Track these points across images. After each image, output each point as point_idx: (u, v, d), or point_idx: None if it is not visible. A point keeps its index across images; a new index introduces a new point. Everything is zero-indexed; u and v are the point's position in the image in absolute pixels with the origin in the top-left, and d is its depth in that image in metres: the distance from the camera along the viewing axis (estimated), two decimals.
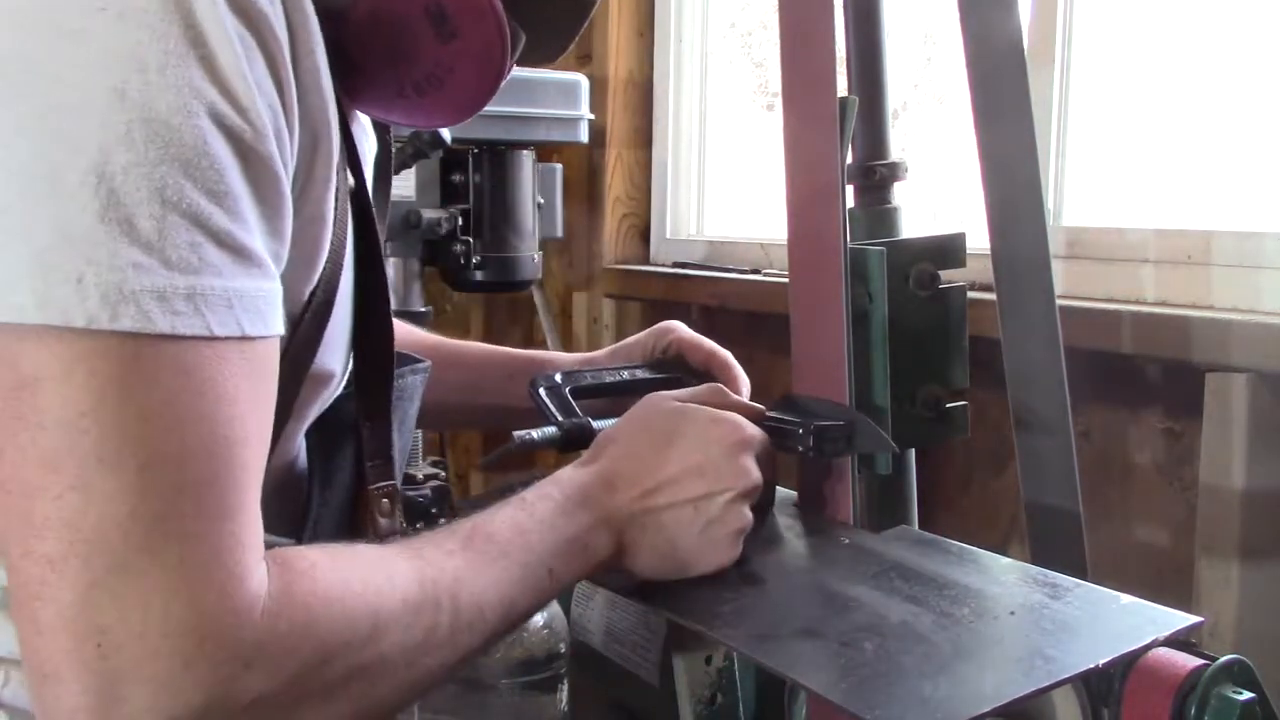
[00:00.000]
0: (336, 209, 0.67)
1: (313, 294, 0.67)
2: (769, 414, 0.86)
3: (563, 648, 0.83)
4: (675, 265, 2.09)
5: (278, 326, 0.60)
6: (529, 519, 0.72)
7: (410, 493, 1.66)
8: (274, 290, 0.59)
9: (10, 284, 0.52)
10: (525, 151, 1.85)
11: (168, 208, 0.53)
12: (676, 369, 1.00)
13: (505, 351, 1.10)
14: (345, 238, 0.69)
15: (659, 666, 0.87)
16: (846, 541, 0.85)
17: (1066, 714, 0.73)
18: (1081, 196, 1.45)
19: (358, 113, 0.79)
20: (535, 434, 0.88)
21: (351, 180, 0.71)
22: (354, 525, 0.76)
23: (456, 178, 1.80)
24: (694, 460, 0.78)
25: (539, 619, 0.83)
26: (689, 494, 0.77)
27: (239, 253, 0.56)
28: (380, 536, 0.76)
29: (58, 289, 0.51)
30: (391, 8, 0.70)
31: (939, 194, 1.68)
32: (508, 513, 0.72)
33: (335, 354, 0.73)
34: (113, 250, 0.52)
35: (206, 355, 0.55)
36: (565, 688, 0.84)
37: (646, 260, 2.18)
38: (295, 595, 0.57)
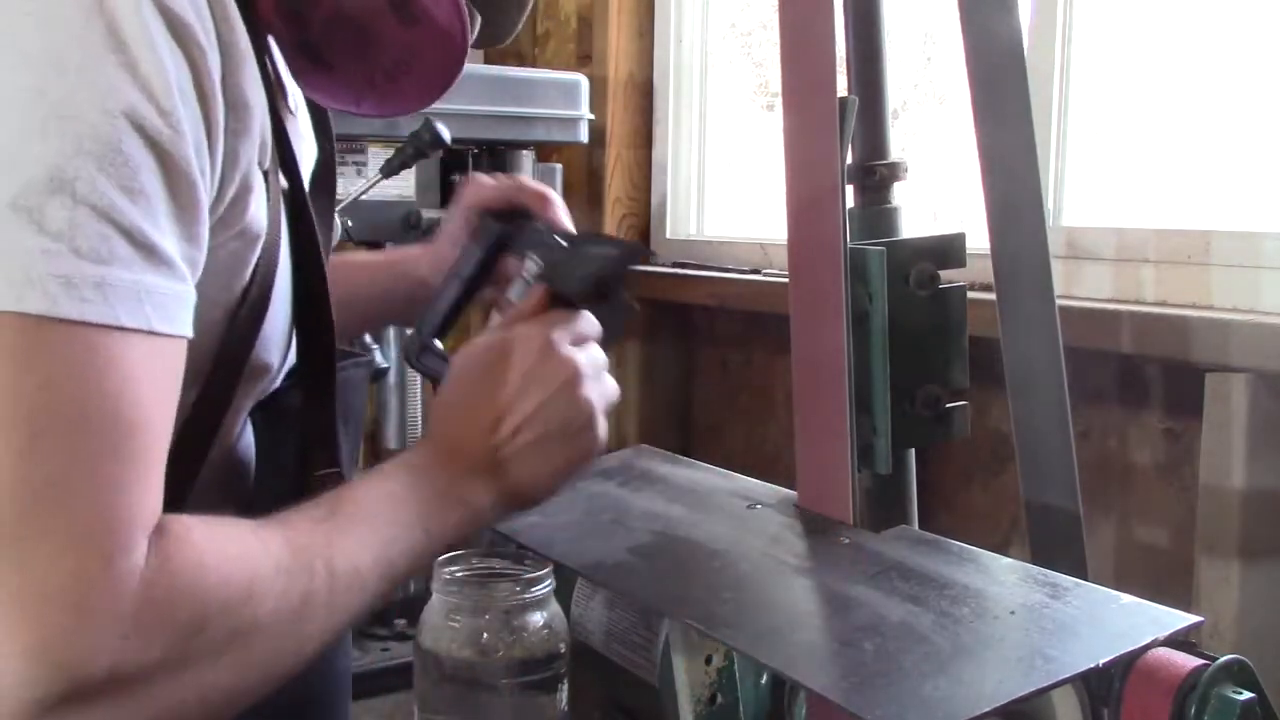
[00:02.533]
0: (270, 211, 0.68)
1: (247, 290, 0.68)
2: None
3: (563, 648, 0.83)
4: (675, 265, 2.09)
5: (186, 328, 0.60)
6: (393, 483, 0.73)
7: None
8: (185, 293, 0.60)
9: None
10: (525, 151, 1.85)
11: (79, 200, 0.54)
12: (495, 231, 0.96)
13: (369, 263, 1.09)
14: (279, 237, 0.71)
15: (659, 666, 0.87)
16: (846, 541, 0.85)
17: (1066, 714, 0.73)
18: (1081, 196, 1.46)
19: (294, 119, 0.81)
20: None
21: (285, 182, 0.73)
22: None
23: (456, 178, 1.80)
24: (514, 380, 0.77)
25: (539, 619, 0.83)
26: (529, 411, 0.77)
27: (150, 250, 0.57)
28: None
29: None
30: (354, 1, 0.72)
31: (939, 194, 1.68)
32: (370, 481, 0.73)
33: (273, 348, 0.75)
34: (20, 238, 0.53)
35: (112, 343, 0.55)
36: (565, 688, 0.84)
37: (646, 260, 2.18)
38: (171, 561, 0.57)
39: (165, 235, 0.58)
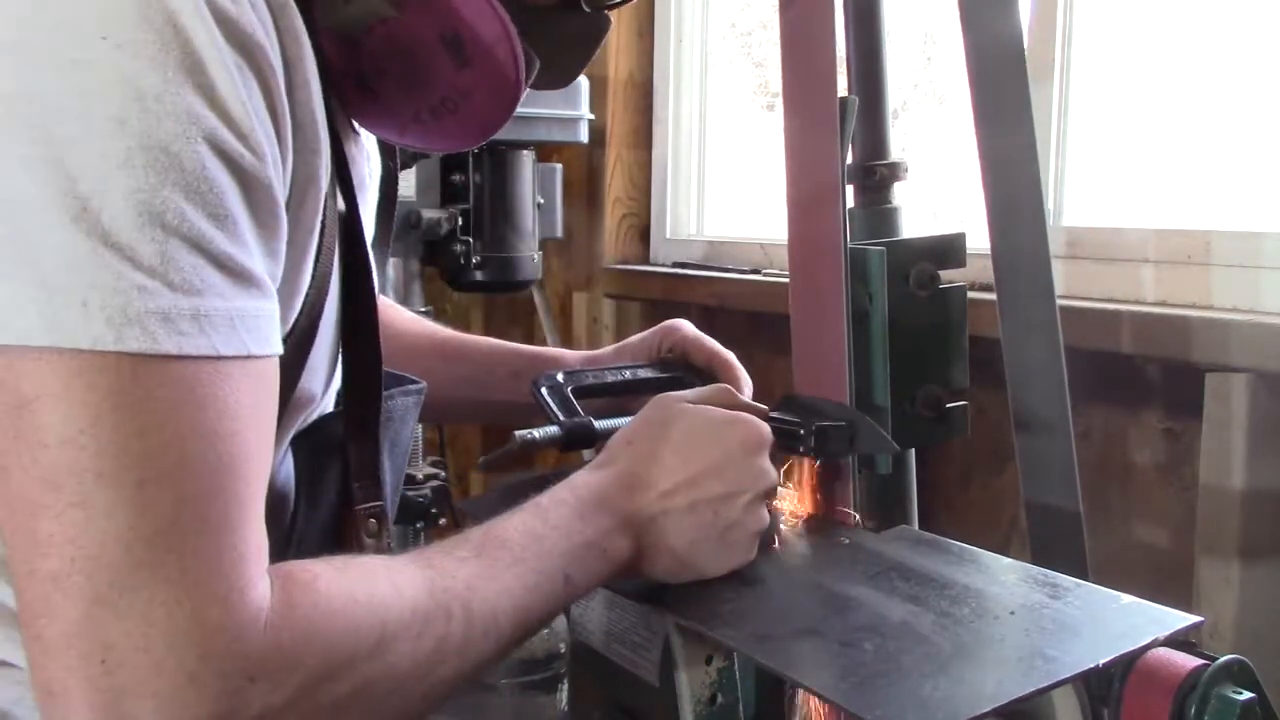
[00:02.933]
0: (324, 235, 0.67)
1: (297, 319, 0.67)
2: (771, 414, 0.86)
3: (563, 648, 0.83)
4: (675, 265, 2.09)
5: (278, 345, 0.60)
6: (544, 524, 0.72)
7: (410, 493, 1.66)
8: (274, 310, 0.60)
9: (17, 308, 0.52)
10: (525, 151, 1.86)
11: (169, 232, 0.54)
12: (679, 368, 1.00)
13: (511, 347, 1.09)
14: (332, 263, 0.69)
15: (659, 666, 0.87)
16: (846, 541, 0.85)
17: (1066, 714, 0.73)
18: (1081, 196, 1.46)
19: (359, 137, 0.79)
20: (537, 433, 0.87)
21: (343, 205, 0.71)
22: (340, 546, 0.75)
23: (456, 178, 1.80)
24: (712, 461, 0.77)
25: None
26: (709, 495, 0.76)
27: (240, 274, 0.57)
28: None
29: (63, 312, 0.52)
30: (408, 34, 0.69)
31: (939, 194, 1.68)
32: (522, 518, 0.72)
33: (317, 377, 0.73)
34: (117, 274, 0.53)
35: (209, 373, 0.55)
36: (565, 688, 0.84)
37: (646, 260, 2.18)
38: (298, 608, 0.56)
39: (252, 256, 0.58)
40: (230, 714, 0.53)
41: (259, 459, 0.58)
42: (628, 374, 0.99)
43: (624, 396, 0.97)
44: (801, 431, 0.85)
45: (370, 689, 0.59)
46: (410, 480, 1.67)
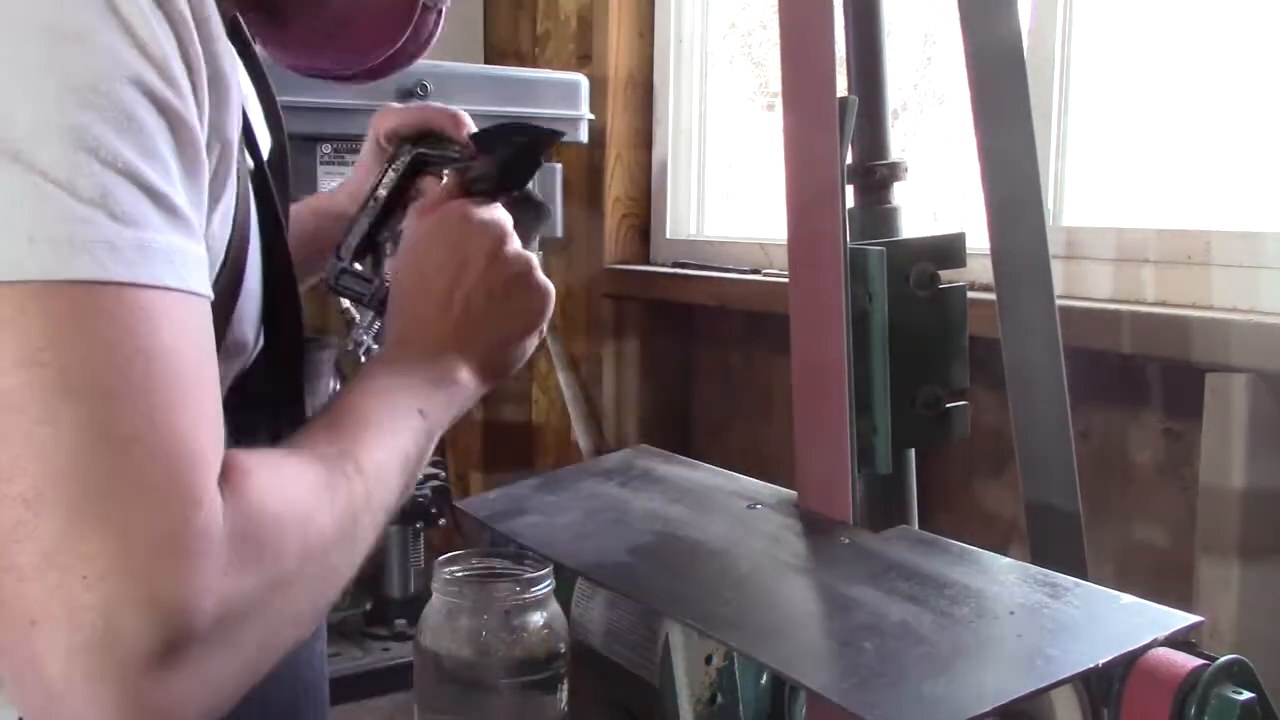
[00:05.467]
0: (240, 186, 0.69)
1: (222, 266, 0.68)
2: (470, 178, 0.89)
3: (563, 648, 0.83)
4: (675, 265, 2.09)
5: (209, 290, 0.61)
6: (374, 381, 0.77)
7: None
8: (203, 254, 0.60)
9: None
10: None
11: (106, 166, 0.54)
12: (407, 152, 0.99)
13: (310, 205, 1.11)
14: (249, 212, 0.72)
15: (659, 666, 0.87)
16: (846, 541, 0.85)
17: (1066, 714, 0.73)
18: (1081, 196, 1.46)
19: (247, 109, 0.82)
20: (365, 336, 0.93)
21: (250, 161, 0.74)
22: None
23: None
24: (455, 256, 0.83)
25: (539, 619, 0.83)
26: (473, 278, 0.83)
27: (173, 211, 0.57)
28: None
29: (9, 249, 0.52)
30: None
31: (939, 194, 1.68)
32: (355, 386, 0.76)
33: (248, 325, 0.75)
34: (59, 208, 0.53)
35: (158, 302, 0.55)
36: (565, 688, 0.84)
37: (646, 260, 2.18)
38: (243, 493, 0.57)
39: (181, 197, 0.58)
40: (213, 607, 0.53)
41: (213, 380, 0.59)
42: (372, 205, 0.97)
43: (391, 224, 0.99)
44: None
45: (314, 556, 0.61)
46: None
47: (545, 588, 0.84)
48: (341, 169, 1.63)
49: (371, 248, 0.96)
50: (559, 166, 1.95)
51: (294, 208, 1.08)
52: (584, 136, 1.89)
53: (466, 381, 0.82)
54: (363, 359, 0.94)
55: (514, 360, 0.87)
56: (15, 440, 0.51)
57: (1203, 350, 1.16)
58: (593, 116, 1.91)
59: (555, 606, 0.85)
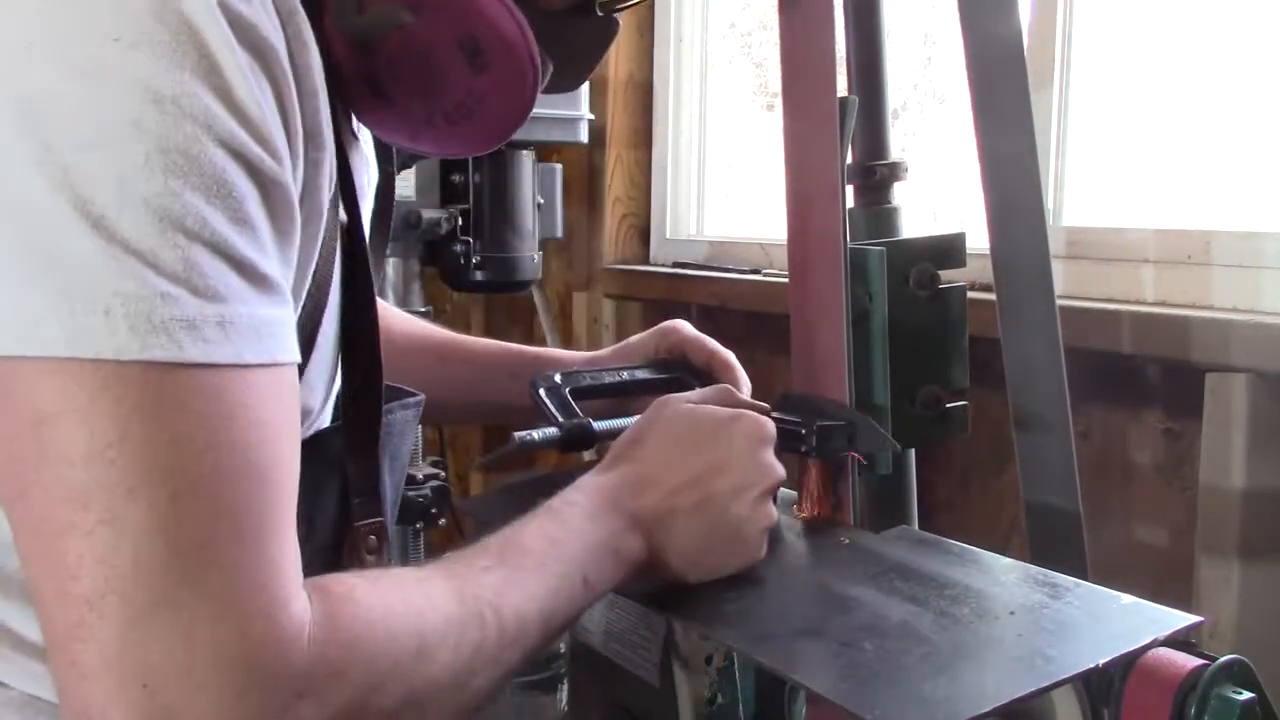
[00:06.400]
0: (324, 244, 0.66)
1: (296, 324, 0.65)
2: (771, 414, 0.86)
3: (563, 648, 0.83)
4: (675, 265, 2.09)
5: (298, 353, 0.59)
6: (559, 528, 0.72)
7: (410, 493, 1.66)
8: (292, 317, 0.59)
9: (37, 319, 0.51)
10: (525, 151, 1.85)
11: (191, 237, 0.52)
12: (678, 369, 1.00)
13: (510, 348, 1.09)
14: (331, 274, 0.68)
15: (659, 666, 0.87)
16: (846, 541, 0.85)
17: (1066, 714, 0.73)
18: (1081, 196, 1.46)
19: (359, 143, 0.78)
20: (535, 434, 0.87)
21: (344, 216, 0.70)
22: (340, 563, 0.74)
23: (456, 178, 1.80)
24: (718, 458, 0.77)
25: None
26: (716, 491, 0.77)
27: (261, 280, 0.56)
28: None
29: (85, 322, 0.51)
30: (425, 39, 0.68)
31: (939, 194, 1.68)
32: (538, 524, 0.71)
33: (315, 391, 0.72)
34: (140, 281, 0.51)
35: (237, 382, 0.54)
36: (565, 688, 0.84)
37: (646, 260, 2.18)
38: (339, 619, 0.55)
39: (271, 262, 0.57)
40: None
41: (289, 468, 0.57)
42: (625, 375, 0.99)
43: (622, 398, 0.97)
44: (803, 431, 0.85)
45: (413, 700, 0.58)
46: (410, 480, 1.67)
47: None
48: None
49: (595, 397, 0.96)
50: (559, 167, 1.95)
51: (508, 346, 1.08)
52: (584, 136, 1.89)
53: (641, 564, 0.76)
54: (513, 444, 0.88)
55: (687, 570, 0.77)
56: (79, 537, 0.50)
57: (1203, 350, 1.16)
58: (593, 116, 1.91)
59: None
